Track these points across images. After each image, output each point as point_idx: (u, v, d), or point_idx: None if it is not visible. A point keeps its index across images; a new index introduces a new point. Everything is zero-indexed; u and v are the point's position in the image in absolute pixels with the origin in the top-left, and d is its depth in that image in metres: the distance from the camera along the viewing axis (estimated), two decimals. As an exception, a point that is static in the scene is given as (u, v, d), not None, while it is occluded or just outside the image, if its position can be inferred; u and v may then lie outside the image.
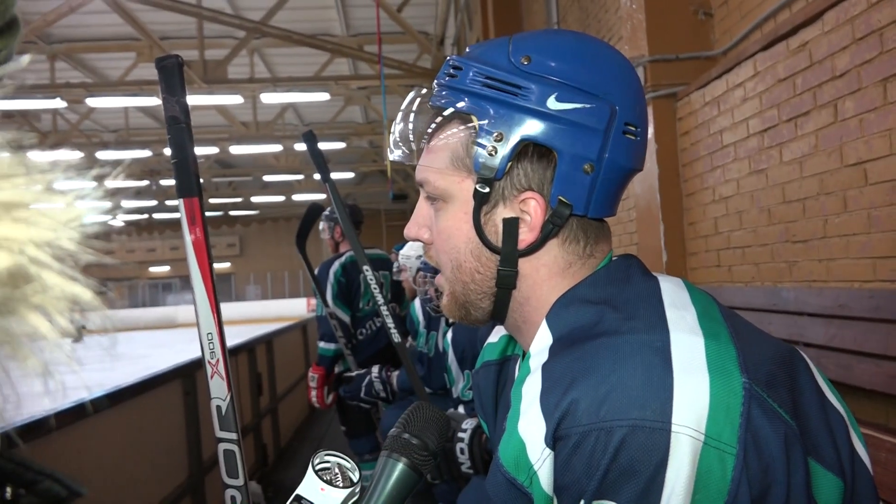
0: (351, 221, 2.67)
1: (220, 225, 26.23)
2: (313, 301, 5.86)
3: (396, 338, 2.46)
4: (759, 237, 2.96)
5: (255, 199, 22.72)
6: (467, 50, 0.73)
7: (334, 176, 3.22)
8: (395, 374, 2.81)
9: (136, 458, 2.44)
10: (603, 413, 0.55)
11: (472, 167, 0.68)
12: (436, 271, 0.78)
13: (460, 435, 1.60)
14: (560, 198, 0.67)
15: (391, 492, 0.67)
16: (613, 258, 0.73)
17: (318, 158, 2.45)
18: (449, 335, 2.43)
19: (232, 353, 3.75)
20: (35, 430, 1.71)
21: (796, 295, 2.66)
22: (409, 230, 0.77)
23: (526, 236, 0.69)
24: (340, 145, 15.58)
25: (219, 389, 1.27)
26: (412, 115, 0.74)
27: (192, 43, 9.70)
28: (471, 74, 0.68)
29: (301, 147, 9.73)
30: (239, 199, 23.03)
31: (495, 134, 0.66)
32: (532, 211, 0.68)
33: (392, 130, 0.76)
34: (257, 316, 20.31)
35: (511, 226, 0.69)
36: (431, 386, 2.68)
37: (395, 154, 0.77)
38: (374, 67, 9.51)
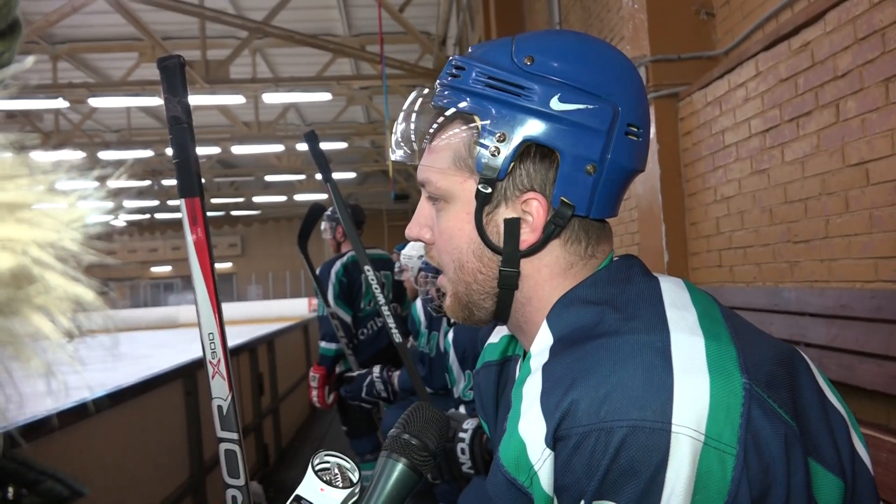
0: (352, 221, 2.66)
1: (221, 225, 26.23)
2: (315, 301, 5.87)
3: (398, 338, 2.46)
4: (761, 237, 2.96)
5: (256, 199, 22.72)
6: (470, 50, 0.73)
7: (336, 176, 3.21)
8: (397, 374, 2.80)
9: (137, 457, 2.45)
10: (603, 413, 0.55)
11: (475, 167, 0.68)
12: (437, 271, 0.78)
13: (461, 435, 1.60)
14: (562, 198, 0.67)
15: (391, 492, 0.66)
16: (614, 259, 0.73)
17: (319, 158, 2.45)
18: (450, 335, 2.43)
19: (233, 353, 3.75)
20: (37, 429, 1.71)
21: (798, 295, 2.66)
22: (410, 230, 0.77)
23: (528, 237, 0.69)
24: (342, 145, 15.60)
25: (220, 389, 1.27)
26: (414, 115, 0.74)
27: (195, 43, 9.70)
28: (473, 75, 0.68)
29: (303, 147, 9.70)
30: (241, 199, 23.04)
31: (498, 134, 0.66)
32: (534, 211, 0.68)
33: (394, 130, 0.76)
34: (259, 316, 20.27)
35: (513, 226, 0.69)
36: (432, 386, 2.68)
37: (396, 154, 0.76)
38: (376, 67, 9.51)
